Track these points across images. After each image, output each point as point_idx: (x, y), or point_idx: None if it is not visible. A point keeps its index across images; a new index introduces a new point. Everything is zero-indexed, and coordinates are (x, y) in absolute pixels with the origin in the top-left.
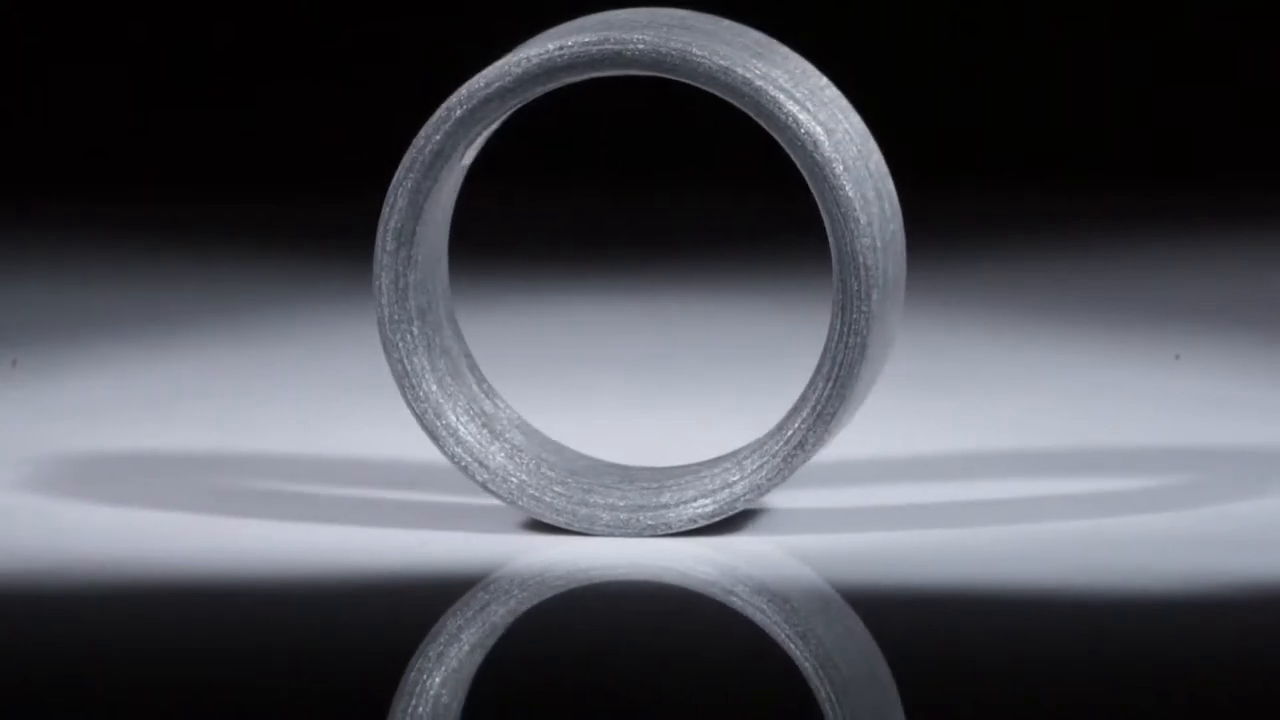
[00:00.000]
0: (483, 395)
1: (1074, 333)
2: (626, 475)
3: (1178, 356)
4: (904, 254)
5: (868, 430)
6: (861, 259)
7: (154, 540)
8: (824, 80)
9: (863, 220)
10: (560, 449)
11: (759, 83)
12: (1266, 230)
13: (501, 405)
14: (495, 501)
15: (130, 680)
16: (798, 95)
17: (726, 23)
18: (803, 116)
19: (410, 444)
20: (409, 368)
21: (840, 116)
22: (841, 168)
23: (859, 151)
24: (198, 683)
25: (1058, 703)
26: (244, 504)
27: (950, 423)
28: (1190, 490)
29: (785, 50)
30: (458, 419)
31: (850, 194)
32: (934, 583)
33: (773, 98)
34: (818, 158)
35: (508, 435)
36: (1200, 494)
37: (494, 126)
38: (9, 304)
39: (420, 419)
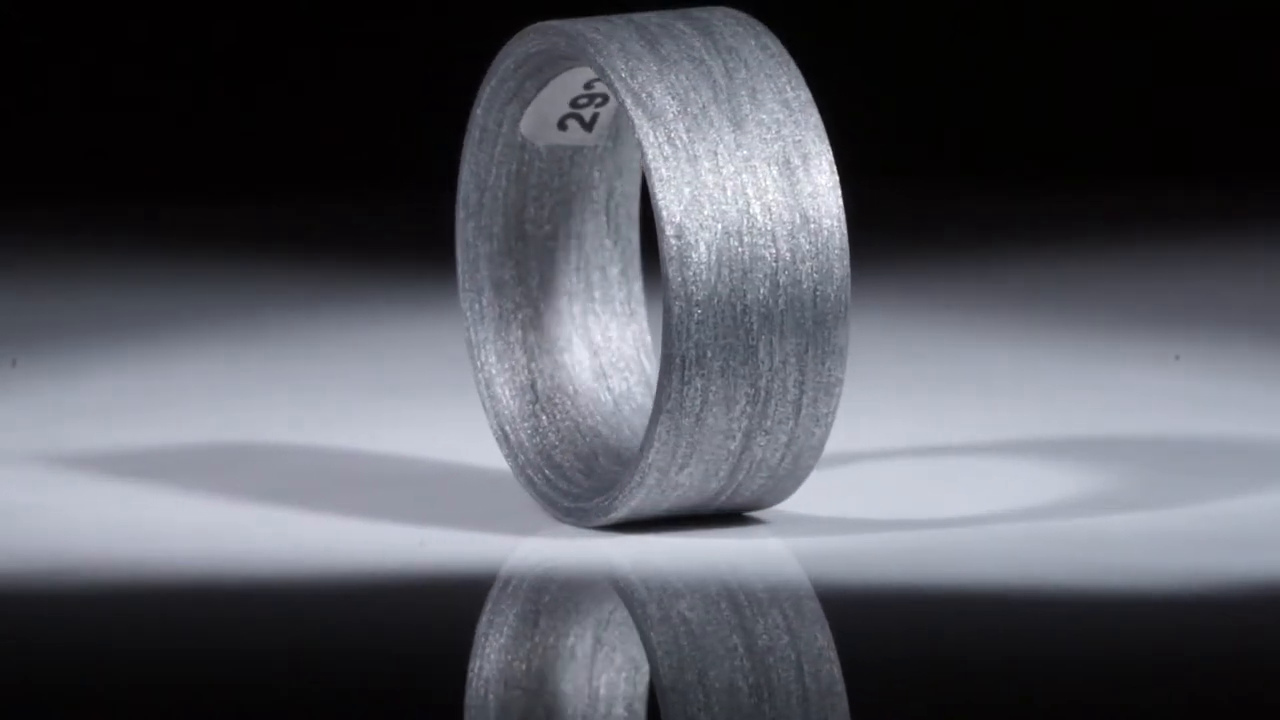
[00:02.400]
0: (581, 374)
1: (1073, 332)
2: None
3: (1178, 357)
4: (811, 284)
5: (867, 429)
6: (663, 268)
7: (156, 540)
8: (794, 97)
9: (669, 231)
10: (610, 433)
11: (617, 84)
12: (1266, 230)
13: (598, 386)
14: (497, 499)
15: (130, 680)
16: (657, 104)
17: (738, 28)
18: (643, 125)
19: (410, 444)
20: (472, 336)
21: (754, 132)
22: (659, 178)
23: (746, 168)
24: (198, 683)
25: (1052, 703)
26: (245, 504)
27: (949, 422)
28: (1189, 489)
29: (762, 62)
30: (504, 391)
31: (661, 203)
32: (929, 582)
33: (624, 100)
34: (643, 164)
35: (559, 414)
36: (1199, 493)
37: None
38: (11, 305)
39: (476, 385)
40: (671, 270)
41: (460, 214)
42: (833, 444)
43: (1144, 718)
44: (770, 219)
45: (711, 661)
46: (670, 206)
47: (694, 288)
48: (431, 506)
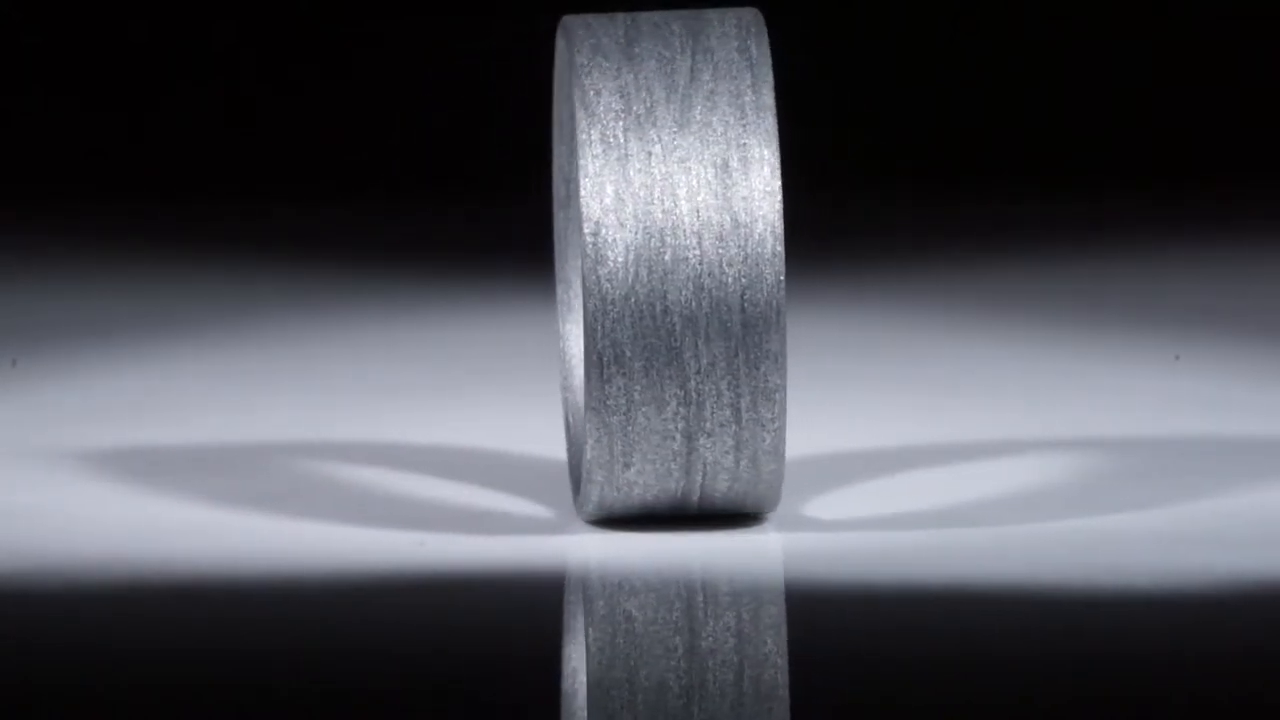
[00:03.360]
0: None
1: (1072, 333)
2: None
3: (1177, 357)
4: (739, 288)
5: (867, 431)
6: (581, 266)
7: (156, 540)
8: (751, 101)
9: (587, 228)
10: None
11: (571, 80)
12: (1266, 231)
13: None
14: (497, 499)
15: (130, 680)
16: (602, 102)
17: (732, 29)
18: (581, 122)
19: (409, 445)
20: (559, 327)
21: (698, 134)
22: (585, 175)
23: (681, 169)
24: (198, 683)
25: (1052, 702)
26: (245, 504)
27: (948, 423)
28: (1189, 489)
29: (733, 64)
30: (579, 383)
31: (582, 199)
32: (927, 581)
33: (573, 96)
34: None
35: None
36: (1199, 493)
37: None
38: (11, 305)
39: (560, 375)
40: (587, 268)
41: (553, 204)
42: (843, 445)
43: (1142, 717)
44: (698, 221)
45: (645, 660)
46: (590, 204)
47: (609, 286)
48: (432, 506)
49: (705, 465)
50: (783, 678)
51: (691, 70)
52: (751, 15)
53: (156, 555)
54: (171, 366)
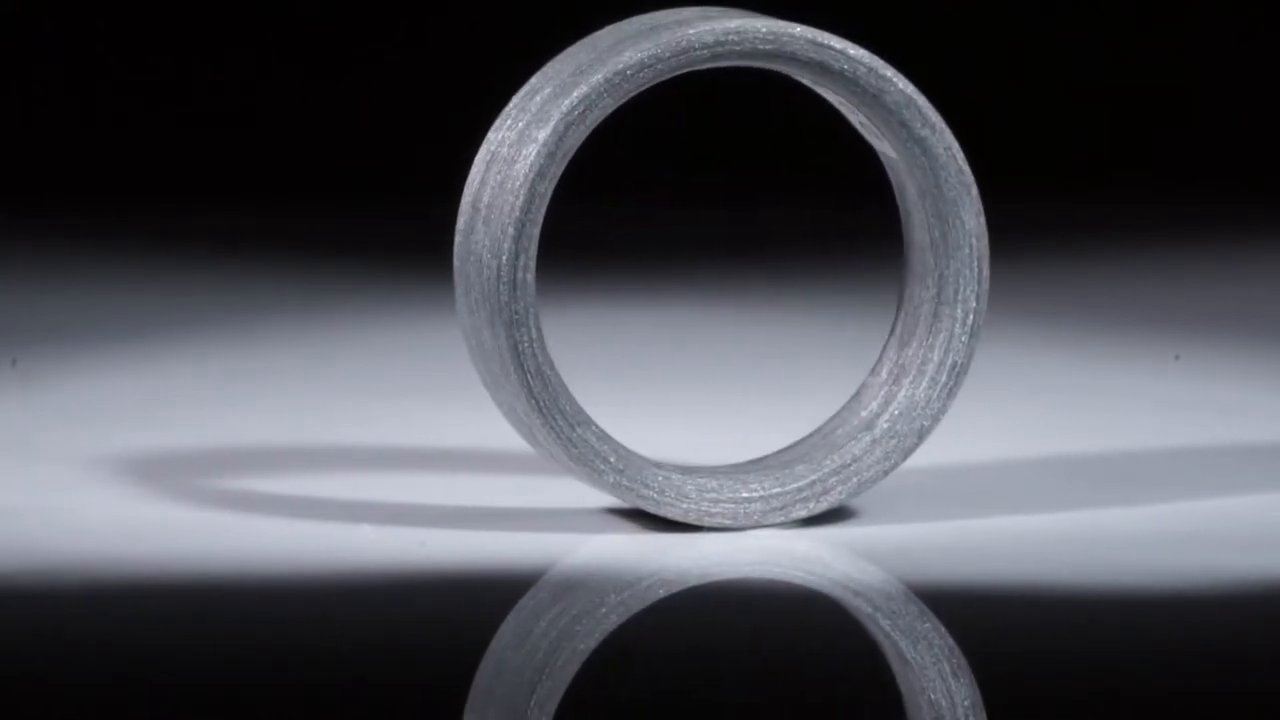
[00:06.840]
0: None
1: (1072, 333)
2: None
3: (1178, 356)
4: (484, 273)
5: None
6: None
7: (155, 540)
8: (575, 92)
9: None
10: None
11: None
12: (1267, 232)
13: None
14: (493, 499)
15: (130, 680)
16: (530, 83)
17: (700, 31)
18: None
19: (407, 442)
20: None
21: (533, 120)
22: (484, 141)
23: (505, 151)
24: (198, 683)
25: (1053, 702)
26: (244, 504)
27: (952, 423)
28: (1189, 488)
29: (629, 59)
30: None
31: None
32: (940, 581)
33: None
34: None
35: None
36: (1199, 492)
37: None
38: (11, 305)
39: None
40: (455, 229)
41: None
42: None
43: (1142, 716)
44: (485, 203)
45: (498, 646)
46: (473, 168)
47: (458, 252)
48: (432, 505)
49: (555, 459)
50: (575, 668)
51: (584, 65)
52: (743, 23)
53: (157, 555)
54: (171, 366)
